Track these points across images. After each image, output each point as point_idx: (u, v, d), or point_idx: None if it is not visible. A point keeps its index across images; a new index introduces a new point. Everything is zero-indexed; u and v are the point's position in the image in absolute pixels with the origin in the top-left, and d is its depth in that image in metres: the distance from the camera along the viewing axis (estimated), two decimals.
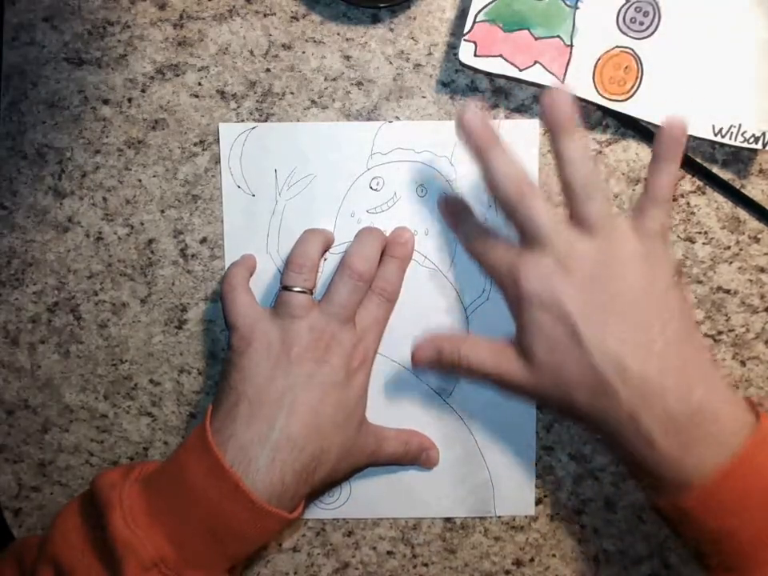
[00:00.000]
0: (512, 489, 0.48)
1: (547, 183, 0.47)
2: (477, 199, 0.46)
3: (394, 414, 0.47)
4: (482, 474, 0.48)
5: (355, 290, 0.43)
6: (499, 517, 0.48)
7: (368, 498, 0.48)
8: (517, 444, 0.48)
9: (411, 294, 0.47)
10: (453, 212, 0.46)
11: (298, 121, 0.47)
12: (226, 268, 0.47)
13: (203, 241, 0.47)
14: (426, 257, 0.47)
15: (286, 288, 0.43)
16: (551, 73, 0.45)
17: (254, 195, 0.47)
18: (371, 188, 0.47)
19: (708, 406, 0.34)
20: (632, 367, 0.34)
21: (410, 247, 0.46)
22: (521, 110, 0.47)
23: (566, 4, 0.44)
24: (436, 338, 0.42)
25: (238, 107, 0.47)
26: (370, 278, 0.44)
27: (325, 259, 0.47)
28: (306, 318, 0.42)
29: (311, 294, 0.43)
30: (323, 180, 0.47)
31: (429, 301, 0.47)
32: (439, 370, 0.43)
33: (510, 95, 0.47)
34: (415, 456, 0.46)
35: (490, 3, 0.44)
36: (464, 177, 0.47)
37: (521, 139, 0.46)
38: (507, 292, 0.40)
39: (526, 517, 0.48)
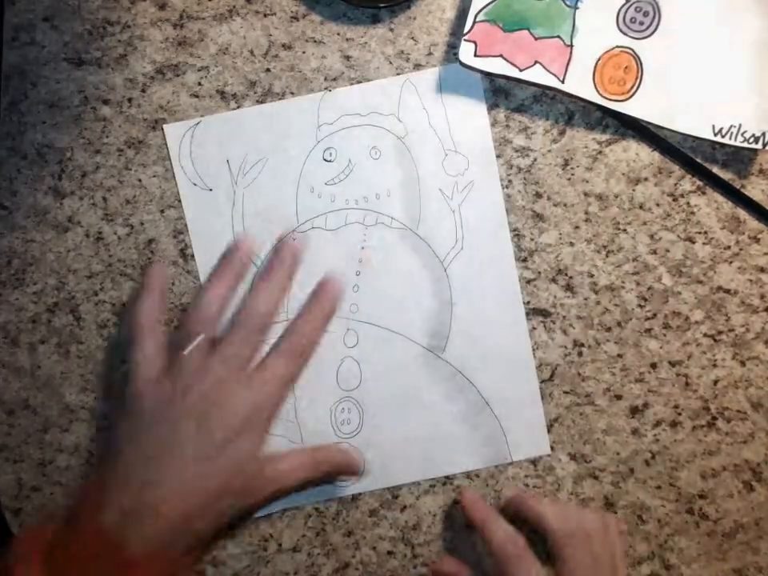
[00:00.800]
0: (524, 432, 0.48)
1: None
2: (432, 149, 0.47)
3: (392, 379, 0.47)
4: (491, 423, 0.48)
5: (248, 340, 0.43)
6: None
7: (384, 469, 0.48)
8: (519, 386, 0.47)
9: (386, 256, 0.47)
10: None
11: None
12: (199, 269, 0.47)
13: (192, 247, 0.47)
14: (392, 218, 0.47)
15: (179, 348, 0.42)
16: (551, 73, 0.45)
17: (211, 189, 0.47)
18: (325, 159, 0.47)
19: None
20: None
21: (336, 298, 0.46)
22: (521, 109, 0.47)
23: (565, 4, 0.44)
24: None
25: (238, 107, 0.47)
26: (266, 331, 0.44)
27: (293, 239, 0.47)
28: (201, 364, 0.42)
29: (205, 352, 0.42)
30: (276, 161, 0.47)
31: (404, 260, 0.47)
32: None
33: (510, 95, 0.47)
34: (332, 472, 0.46)
35: (489, 3, 0.44)
36: (413, 131, 0.47)
37: (465, 80, 0.46)
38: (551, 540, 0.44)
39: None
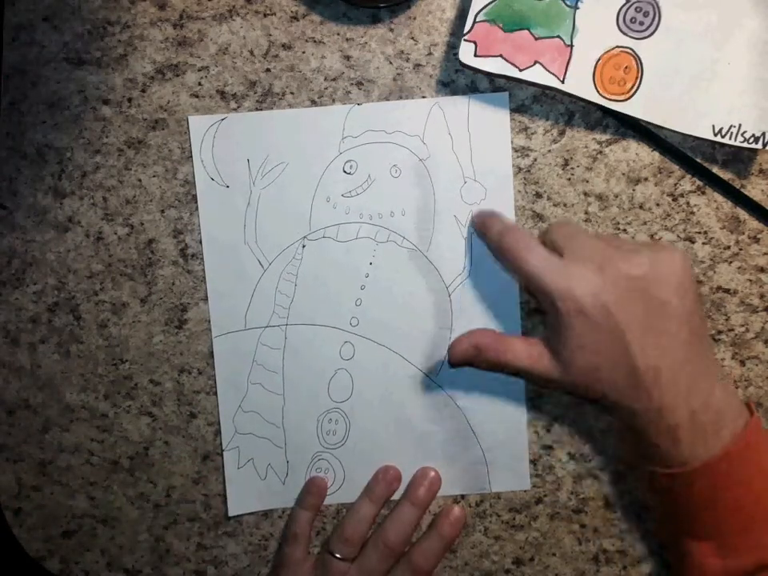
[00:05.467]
0: (506, 465, 0.48)
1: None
2: (452, 175, 0.47)
3: (383, 396, 0.48)
4: (474, 451, 0.48)
5: (385, 559, 0.46)
6: (498, 496, 0.48)
7: (363, 482, 0.48)
8: (508, 420, 0.48)
9: (392, 275, 0.47)
10: (481, 221, 0.45)
11: None
12: (207, 266, 0.47)
13: (202, 241, 0.47)
14: (404, 237, 0.47)
15: (329, 552, 0.46)
16: (551, 73, 0.45)
17: (228, 186, 0.47)
18: (345, 172, 0.47)
19: (721, 403, 0.39)
20: (666, 373, 0.38)
21: (460, 528, 0.48)
22: (521, 109, 0.47)
23: (565, 4, 0.44)
24: (474, 335, 0.43)
25: (238, 107, 0.47)
26: (401, 551, 0.47)
27: (303, 246, 0.47)
28: None
29: (351, 561, 0.46)
30: (296, 167, 0.47)
31: (410, 281, 0.47)
32: (474, 365, 0.44)
33: (510, 95, 0.47)
34: None
35: (489, 3, 0.44)
36: (436, 154, 0.47)
37: (492, 111, 0.46)
38: (548, 300, 0.40)
39: (526, 516, 0.48)
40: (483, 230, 0.44)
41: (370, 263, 0.47)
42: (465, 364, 0.43)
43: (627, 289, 0.39)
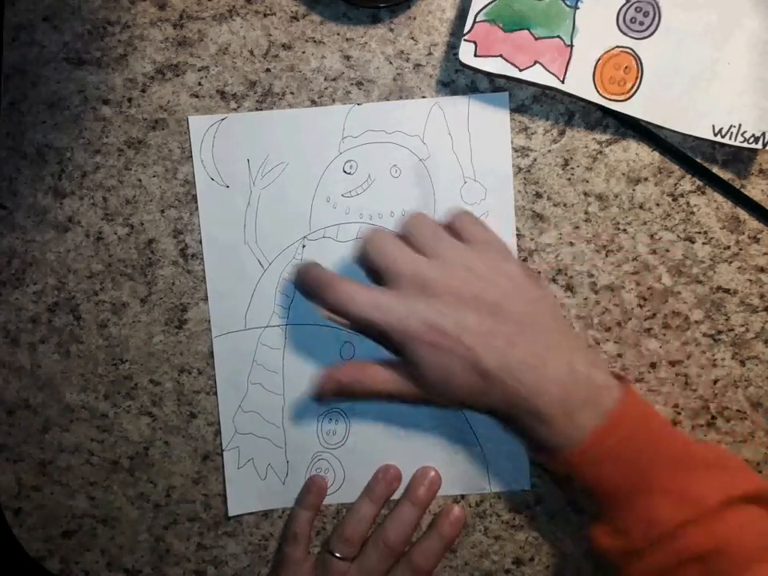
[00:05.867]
0: (506, 464, 0.48)
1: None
2: (452, 175, 0.47)
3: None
4: (474, 451, 0.48)
5: (385, 558, 0.46)
6: (498, 496, 0.48)
7: (363, 482, 0.48)
8: None
9: None
10: (306, 284, 0.43)
11: None
12: (207, 266, 0.47)
13: (202, 241, 0.47)
14: None
15: (330, 552, 0.46)
16: (551, 73, 0.45)
17: (227, 186, 0.47)
18: (345, 172, 0.47)
19: (590, 382, 0.39)
20: (525, 368, 0.39)
21: (460, 528, 0.48)
22: (521, 110, 0.47)
23: (565, 4, 0.44)
24: (337, 372, 0.43)
25: (238, 107, 0.47)
26: (401, 550, 0.47)
27: (303, 246, 0.47)
28: None
29: (351, 561, 0.46)
30: (296, 167, 0.47)
31: None
32: (343, 398, 0.44)
33: (510, 95, 0.46)
34: None
35: (489, 3, 0.44)
36: (436, 155, 0.47)
37: (492, 111, 0.46)
38: (385, 339, 0.40)
39: (525, 516, 0.48)
40: (307, 286, 0.42)
41: None
42: (333, 398, 0.43)
43: (456, 304, 0.39)
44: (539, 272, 0.47)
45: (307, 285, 0.42)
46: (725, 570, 0.37)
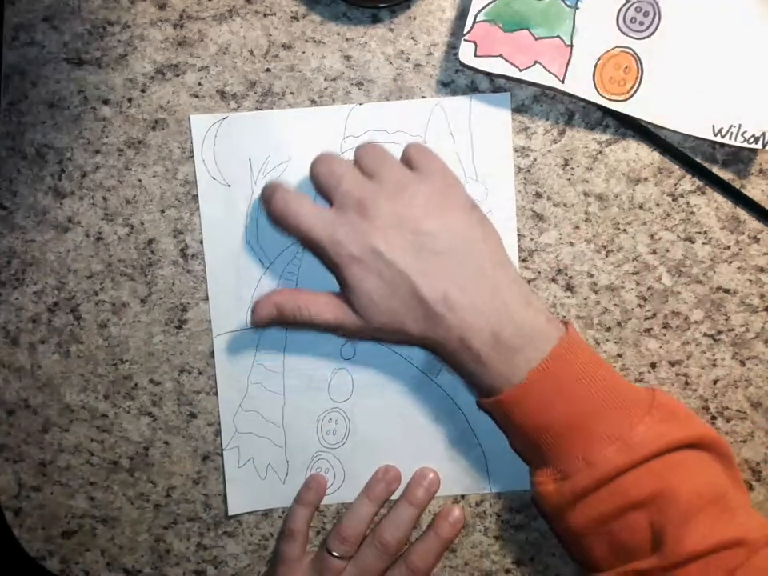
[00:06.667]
0: (506, 464, 0.48)
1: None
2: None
3: (383, 396, 0.48)
4: (474, 451, 0.48)
5: (381, 558, 0.46)
6: (498, 496, 0.48)
7: (362, 483, 0.48)
8: None
9: None
10: (265, 198, 0.44)
11: None
12: (207, 265, 0.47)
13: (203, 241, 0.47)
14: None
15: (328, 550, 0.46)
16: (551, 73, 0.45)
17: (229, 186, 0.47)
18: None
19: (527, 321, 0.39)
20: (458, 299, 0.39)
21: (458, 529, 0.48)
22: (521, 110, 0.47)
23: (565, 4, 0.44)
24: (274, 295, 0.43)
25: (238, 107, 0.47)
26: (398, 550, 0.47)
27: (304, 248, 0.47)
28: None
29: (348, 560, 0.46)
30: (298, 166, 0.47)
31: None
32: (279, 324, 0.45)
33: (510, 95, 0.46)
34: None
35: (489, 3, 0.44)
36: (438, 155, 0.46)
37: (493, 111, 0.46)
38: (324, 253, 0.41)
39: (526, 516, 0.48)
40: (265, 200, 0.44)
41: None
42: (269, 324, 0.44)
43: (393, 227, 0.40)
44: (539, 272, 0.47)
45: (265, 197, 0.43)
46: (667, 517, 0.37)
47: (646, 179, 0.47)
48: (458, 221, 0.41)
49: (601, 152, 0.47)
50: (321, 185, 0.42)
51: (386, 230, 0.40)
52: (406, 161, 0.43)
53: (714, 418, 0.48)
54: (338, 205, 0.41)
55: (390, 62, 0.47)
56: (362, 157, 0.42)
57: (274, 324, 0.44)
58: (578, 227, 0.47)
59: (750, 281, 0.47)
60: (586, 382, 0.39)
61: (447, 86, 0.47)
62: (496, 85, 0.47)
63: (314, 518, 0.48)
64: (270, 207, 0.43)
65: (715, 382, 0.48)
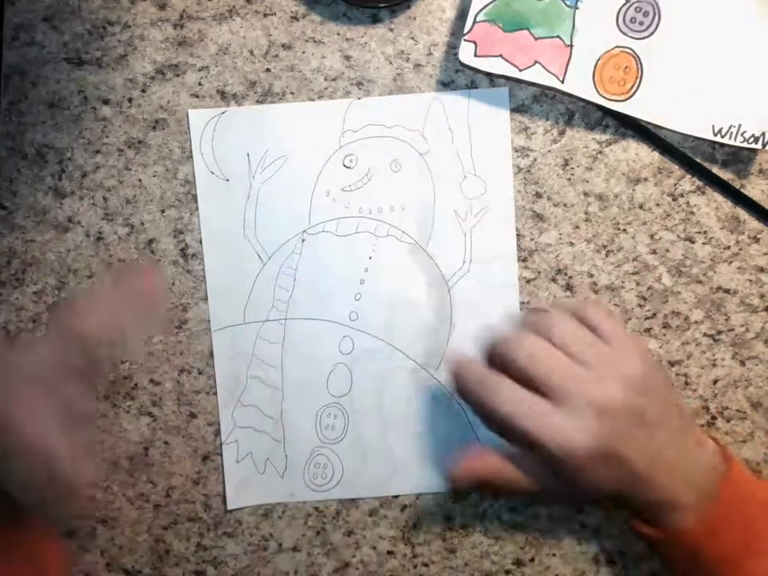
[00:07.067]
0: None
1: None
2: (452, 169, 0.47)
3: (382, 391, 0.48)
4: (474, 446, 0.48)
5: None
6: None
7: (360, 479, 0.48)
8: None
9: (392, 270, 0.47)
10: (457, 372, 0.41)
11: None
12: (206, 260, 0.47)
13: (202, 236, 0.47)
14: (404, 232, 0.47)
15: None
16: (551, 73, 0.45)
17: (227, 180, 0.47)
18: (345, 166, 0.47)
19: (700, 467, 0.40)
20: (662, 466, 0.39)
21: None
22: (521, 110, 0.47)
23: (565, 4, 0.44)
24: (477, 464, 0.41)
25: (238, 107, 0.47)
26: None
27: (303, 240, 0.47)
28: None
29: None
30: (296, 161, 0.47)
31: (410, 276, 0.47)
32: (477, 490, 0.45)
33: (510, 95, 0.47)
34: None
35: (489, 3, 0.44)
36: (436, 149, 0.47)
37: (492, 106, 0.46)
38: (543, 453, 0.38)
39: (525, 516, 0.48)
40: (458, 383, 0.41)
41: (370, 258, 0.47)
42: (467, 488, 0.44)
43: (625, 418, 0.38)
44: (539, 272, 0.47)
45: (465, 383, 0.40)
46: None
47: (645, 179, 0.47)
48: (666, 395, 0.41)
49: (601, 152, 0.47)
50: (525, 372, 0.38)
51: (619, 427, 0.38)
52: (586, 323, 0.40)
53: (714, 418, 0.48)
54: (559, 401, 0.38)
55: (390, 62, 0.47)
56: (559, 336, 0.39)
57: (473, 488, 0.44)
58: (577, 227, 0.47)
59: (750, 281, 0.47)
60: (754, 509, 0.40)
61: (447, 86, 0.47)
62: (496, 85, 0.47)
63: (313, 518, 0.48)
64: (480, 401, 0.39)
65: (715, 381, 0.48)
